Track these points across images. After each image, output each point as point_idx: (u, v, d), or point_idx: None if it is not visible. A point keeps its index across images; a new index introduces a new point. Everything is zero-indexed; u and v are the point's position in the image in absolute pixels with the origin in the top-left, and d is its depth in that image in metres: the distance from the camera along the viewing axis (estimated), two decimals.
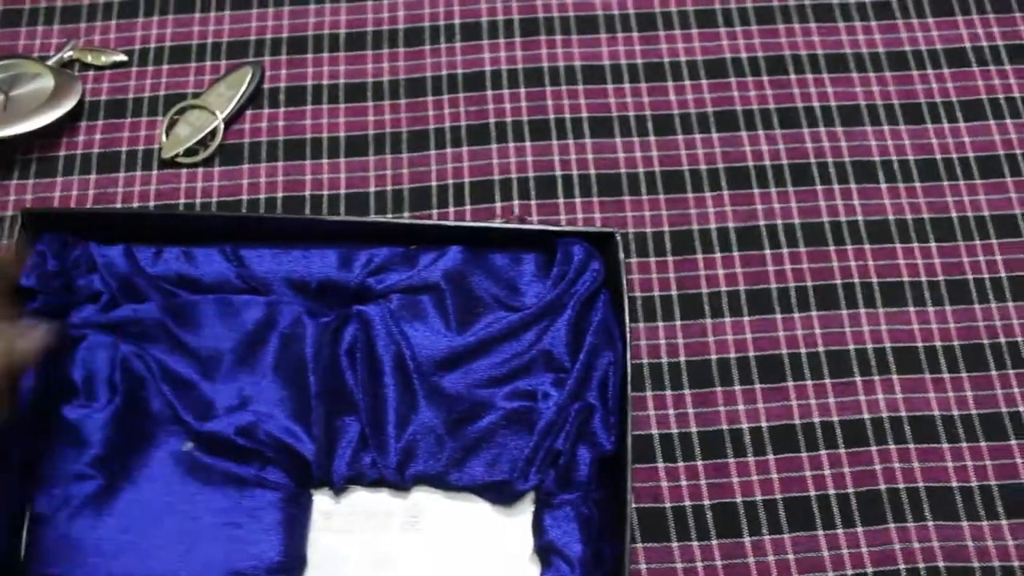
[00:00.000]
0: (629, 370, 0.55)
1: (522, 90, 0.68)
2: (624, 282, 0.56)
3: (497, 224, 0.59)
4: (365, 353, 0.56)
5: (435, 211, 0.65)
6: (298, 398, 0.56)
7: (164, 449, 0.56)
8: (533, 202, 0.65)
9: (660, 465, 0.58)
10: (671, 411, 0.59)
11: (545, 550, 0.53)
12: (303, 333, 0.57)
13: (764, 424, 0.59)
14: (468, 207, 0.64)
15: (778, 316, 0.62)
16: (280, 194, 0.65)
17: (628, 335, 0.55)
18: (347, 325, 0.57)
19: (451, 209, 0.64)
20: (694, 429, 0.59)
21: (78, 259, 0.58)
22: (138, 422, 0.56)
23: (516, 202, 0.65)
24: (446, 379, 0.57)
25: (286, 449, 0.54)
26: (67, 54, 0.71)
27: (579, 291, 0.57)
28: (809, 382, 0.60)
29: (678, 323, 0.62)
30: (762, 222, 0.65)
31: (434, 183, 0.65)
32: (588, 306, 0.57)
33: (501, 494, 0.55)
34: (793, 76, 0.69)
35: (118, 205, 0.65)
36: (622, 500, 0.51)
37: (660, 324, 0.62)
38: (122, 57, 0.71)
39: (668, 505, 0.57)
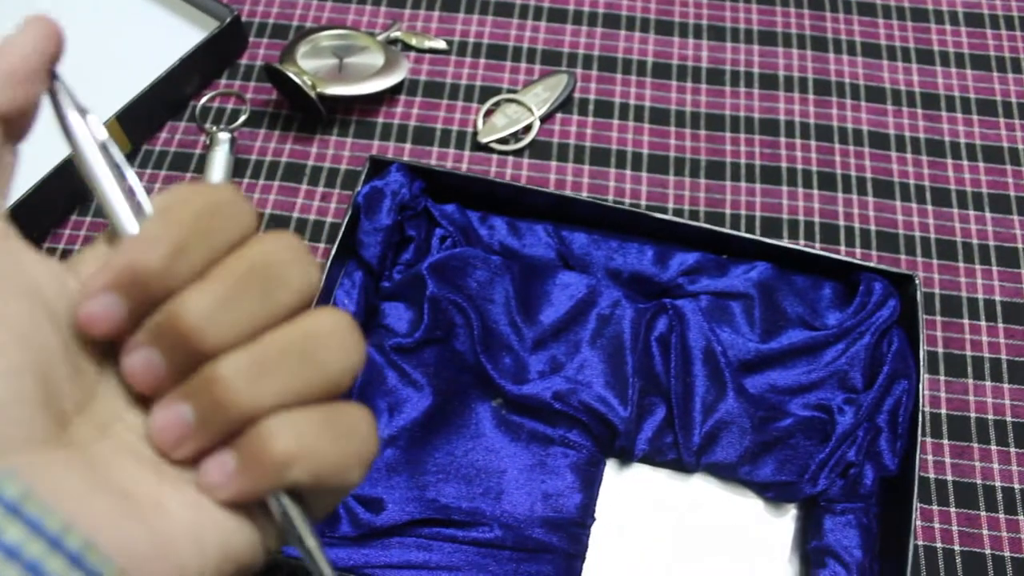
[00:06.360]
0: (922, 398, 0.63)
1: (813, 143, 0.78)
2: (921, 320, 0.65)
3: (803, 247, 0.67)
4: (679, 342, 0.64)
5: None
6: (614, 373, 0.64)
7: (476, 399, 0.65)
8: (817, 244, 0.74)
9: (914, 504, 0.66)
10: (930, 456, 0.67)
11: (821, 552, 0.61)
12: (621, 315, 0.66)
13: (1017, 486, 0.66)
14: (757, 237, 0.73)
15: None
16: (585, 194, 0.75)
17: (923, 369, 0.64)
18: (660, 315, 0.66)
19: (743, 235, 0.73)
20: (950, 478, 0.66)
21: (414, 205, 0.68)
22: (453, 361, 0.65)
23: (802, 241, 0.74)
24: (748, 380, 0.65)
25: (598, 416, 0.63)
26: (394, 34, 0.82)
27: (876, 322, 0.65)
28: None
29: (942, 378, 0.70)
30: None
31: (728, 211, 0.75)
32: (883, 337, 0.66)
33: (782, 494, 0.63)
34: None
35: None
36: (906, 520, 0.59)
37: (925, 375, 0.70)
38: (443, 45, 0.82)
39: (921, 543, 0.64)
